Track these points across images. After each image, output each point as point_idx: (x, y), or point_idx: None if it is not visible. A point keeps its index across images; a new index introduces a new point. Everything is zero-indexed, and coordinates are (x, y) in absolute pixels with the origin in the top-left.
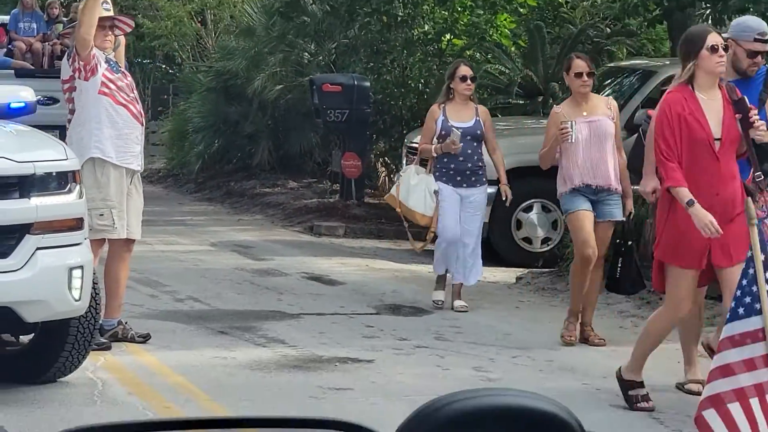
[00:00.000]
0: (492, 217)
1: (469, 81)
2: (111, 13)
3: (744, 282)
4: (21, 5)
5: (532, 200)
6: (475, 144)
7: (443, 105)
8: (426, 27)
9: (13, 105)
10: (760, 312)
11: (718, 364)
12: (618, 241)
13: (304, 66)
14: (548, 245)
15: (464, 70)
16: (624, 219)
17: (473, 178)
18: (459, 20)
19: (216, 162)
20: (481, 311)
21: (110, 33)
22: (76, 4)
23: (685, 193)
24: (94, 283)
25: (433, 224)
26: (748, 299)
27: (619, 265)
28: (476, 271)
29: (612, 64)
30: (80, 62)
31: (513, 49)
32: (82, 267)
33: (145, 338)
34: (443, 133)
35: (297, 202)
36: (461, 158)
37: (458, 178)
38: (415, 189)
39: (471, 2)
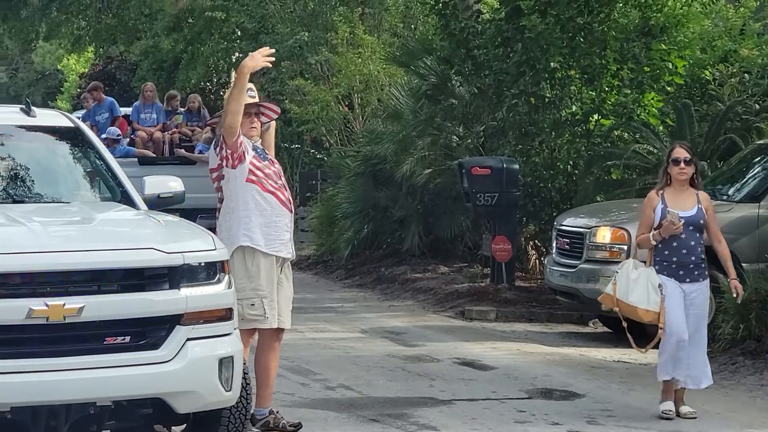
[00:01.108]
0: None
1: (683, 164)
2: (256, 100)
3: None
4: (142, 97)
5: None
6: (697, 234)
7: (661, 191)
8: (573, 108)
9: (162, 195)
10: None
11: None
12: None
13: (453, 149)
14: None
15: (678, 152)
16: None
17: (696, 272)
18: (606, 100)
19: (366, 247)
20: (633, 394)
21: (256, 120)
22: (227, 94)
23: None
24: (244, 372)
25: (660, 320)
26: None
27: None
28: (707, 373)
29: (761, 142)
30: (227, 150)
31: (661, 128)
32: (232, 357)
33: (296, 427)
34: (663, 222)
35: (448, 287)
36: (684, 251)
37: (681, 272)
38: (635, 284)
39: (618, 82)
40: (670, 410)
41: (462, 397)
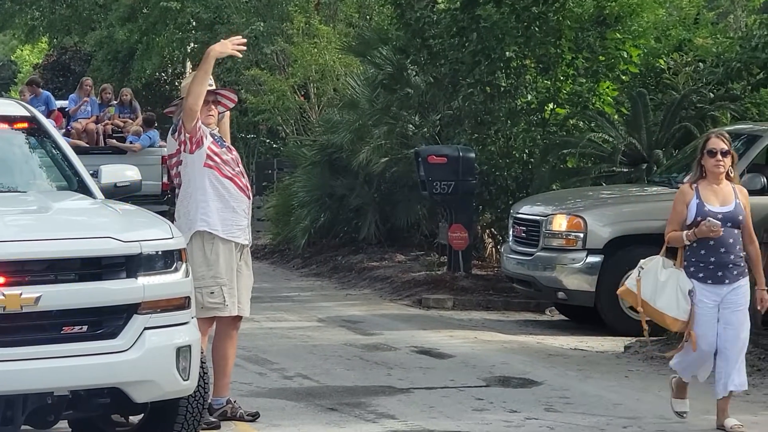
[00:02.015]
0: (599, 286)
1: (719, 156)
2: (213, 88)
3: None
4: (80, 90)
5: None
6: (735, 231)
7: (695, 185)
8: (529, 97)
9: (119, 184)
10: None
11: None
12: None
13: (409, 138)
14: None
15: (714, 143)
16: None
17: (735, 272)
18: (561, 89)
19: (322, 236)
20: (591, 381)
21: (213, 108)
22: (183, 83)
23: None
24: (202, 362)
25: (688, 329)
26: None
27: None
28: (738, 377)
29: (715, 130)
30: (186, 134)
31: (616, 117)
32: (189, 346)
33: (254, 417)
34: (699, 219)
35: (405, 276)
36: (722, 249)
37: (719, 273)
38: (663, 287)
39: (573, 71)
40: (687, 411)
41: (420, 385)
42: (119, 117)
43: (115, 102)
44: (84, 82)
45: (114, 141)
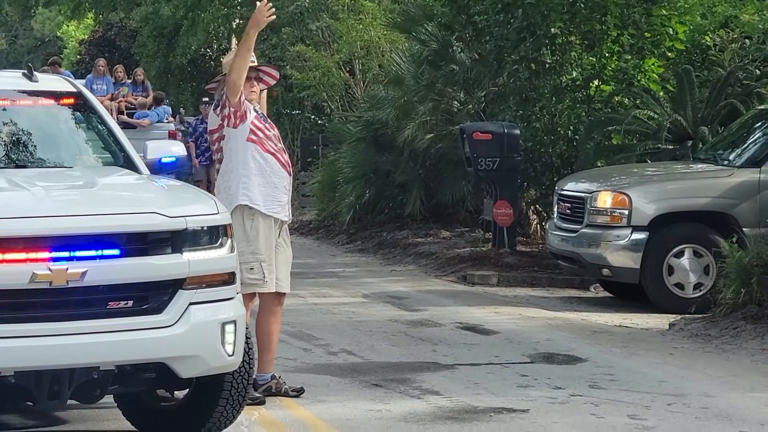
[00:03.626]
0: (643, 263)
1: None
2: (255, 64)
3: None
4: (94, 71)
5: (684, 245)
6: None
7: None
8: (574, 73)
9: (164, 160)
10: None
11: None
12: None
13: (454, 114)
14: (700, 291)
15: None
16: None
17: None
18: (607, 66)
19: (367, 212)
20: (635, 358)
21: (256, 84)
22: (225, 60)
23: None
24: (247, 337)
25: None
26: None
27: None
28: None
29: (762, 107)
30: (230, 108)
31: (661, 93)
32: (234, 322)
33: (298, 392)
34: None
35: (450, 252)
36: None
37: None
38: None
39: (618, 48)
40: None
41: (465, 361)
42: (132, 95)
43: (129, 81)
44: (98, 63)
45: (124, 116)
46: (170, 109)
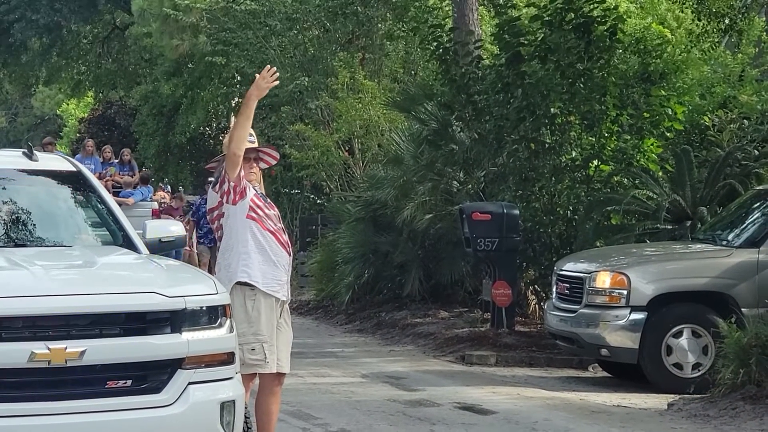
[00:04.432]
0: (642, 343)
1: None
2: (256, 145)
3: None
4: (83, 150)
5: (682, 325)
6: None
7: None
8: (573, 153)
9: (164, 239)
10: None
11: None
12: None
13: (453, 194)
14: (699, 371)
15: None
16: None
17: None
18: (606, 146)
19: (366, 292)
20: None
21: (255, 165)
22: (225, 139)
23: None
24: (246, 417)
25: None
26: None
27: None
28: None
29: (761, 187)
30: (230, 184)
31: (660, 173)
32: (234, 401)
33: None
34: None
35: (448, 332)
36: None
37: None
38: None
39: (618, 128)
40: None
41: None
42: (119, 174)
43: (116, 161)
44: (86, 143)
45: (111, 196)
46: (152, 188)
